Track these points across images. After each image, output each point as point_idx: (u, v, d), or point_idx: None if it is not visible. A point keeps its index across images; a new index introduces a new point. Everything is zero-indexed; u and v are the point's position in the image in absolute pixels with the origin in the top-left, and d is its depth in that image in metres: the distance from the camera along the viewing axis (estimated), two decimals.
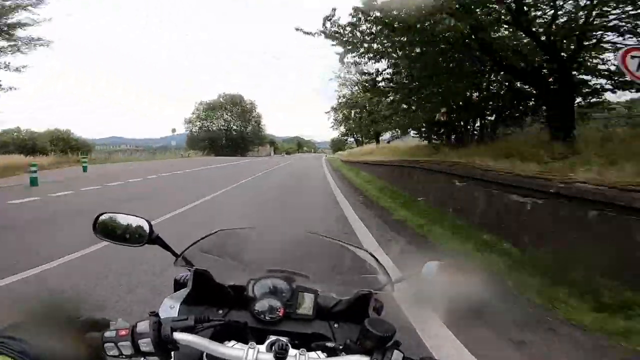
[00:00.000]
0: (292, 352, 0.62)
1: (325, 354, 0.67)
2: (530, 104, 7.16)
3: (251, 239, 1.15)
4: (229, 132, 51.69)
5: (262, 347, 0.63)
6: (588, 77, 5.96)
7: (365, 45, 6.28)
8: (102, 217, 0.94)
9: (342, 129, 35.18)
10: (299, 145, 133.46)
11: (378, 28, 5.48)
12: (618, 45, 5.06)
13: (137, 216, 0.92)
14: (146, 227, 0.91)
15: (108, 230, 0.94)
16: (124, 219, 0.94)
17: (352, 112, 30.78)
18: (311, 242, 1.16)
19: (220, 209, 5.52)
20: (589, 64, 5.62)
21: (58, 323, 0.60)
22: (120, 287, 3.00)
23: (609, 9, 4.74)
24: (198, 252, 0.93)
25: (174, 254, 0.90)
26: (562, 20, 5.33)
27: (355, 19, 6.00)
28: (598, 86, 5.95)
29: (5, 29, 9.91)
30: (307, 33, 6.83)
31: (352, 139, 37.18)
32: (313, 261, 1.04)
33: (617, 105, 7.42)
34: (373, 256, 0.99)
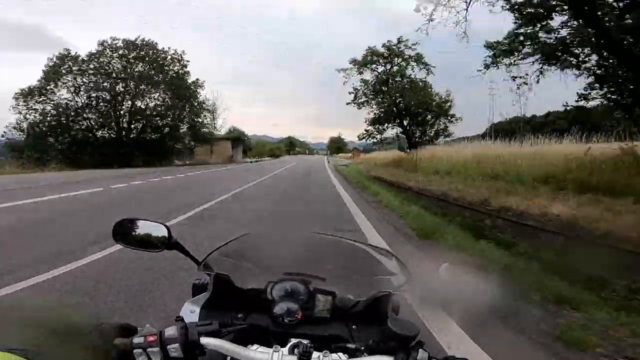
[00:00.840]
0: (315, 354, 0.60)
1: (346, 355, 0.64)
2: None
3: (270, 242, 1.08)
4: (122, 117, 27.16)
5: (285, 350, 0.61)
6: None
7: None
8: (122, 223, 0.91)
9: (374, 109, 20.70)
10: (291, 145, 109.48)
11: None
12: None
13: (156, 222, 0.90)
14: (165, 233, 0.88)
15: (127, 236, 0.90)
16: (143, 225, 0.91)
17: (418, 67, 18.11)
18: (329, 243, 1.09)
19: None
20: None
21: (87, 330, 0.57)
22: None
23: None
24: (218, 256, 0.90)
25: (194, 259, 0.88)
26: None
27: None
28: None
29: None
30: None
31: (396, 133, 21.51)
32: (330, 263, 0.97)
33: None
34: (393, 255, 0.94)
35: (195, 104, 29.40)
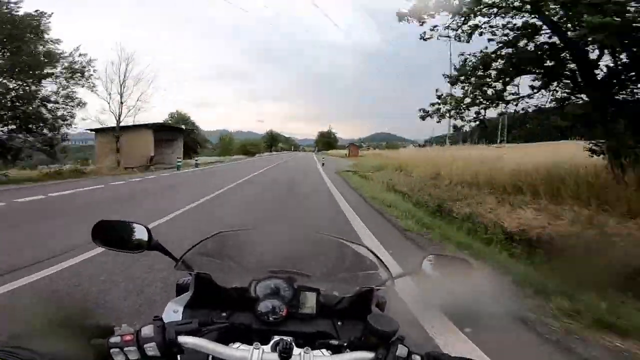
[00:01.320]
0: (296, 351, 0.61)
1: (329, 351, 0.66)
2: None
3: (251, 240, 1.04)
4: None
5: (267, 348, 0.63)
6: None
7: None
8: (101, 225, 0.90)
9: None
10: (273, 140, 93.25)
11: None
12: None
13: (135, 222, 0.90)
14: (145, 234, 0.88)
15: (107, 238, 0.90)
16: (122, 226, 0.90)
17: None
18: (311, 240, 1.08)
19: None
20: None
21: (64, 330, 0.56)
22: None
23: None
24: (198, 255, 0.90)
25: (174, 259, 0.88)
26: None
27: None
28: None
29: None
30: None
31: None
32: (314, 260, 0.96)
33: None
34: (372, 252, 0.93)
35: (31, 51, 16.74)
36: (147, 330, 0.57)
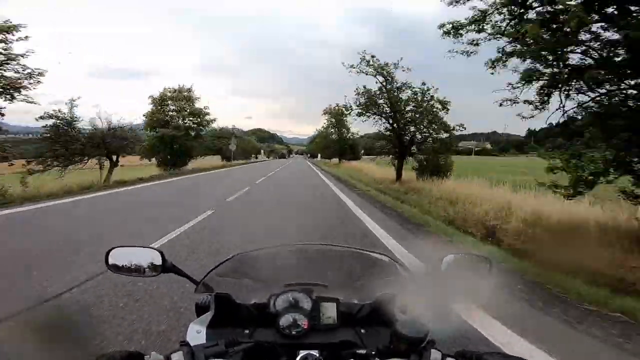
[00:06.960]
0: None
1: None
2: None
3: (266, 258, 1.10)
4: None
5: None
6: None
7: None
8: (114, 252, 0.95)
9: None
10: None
11: None
12: None
13: (148, 247, 0.95)
14: (159, 257, 0.92)
15: (121, 265, 0.94)
16: (135, 252, 0.94)
17: None
18: (325, 252, 1.12)
19: None
20: None
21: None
22: None
23: None
24: (216, 277, 0.95)
25: (192, 280, 0.93)
26: None
27: None
28: None
29: None
30: None
31: None
32: (330, 270, 1.01)
33: None
34: (390, 257, 0.97)
35: None
36: (177, 357, 0.59)
